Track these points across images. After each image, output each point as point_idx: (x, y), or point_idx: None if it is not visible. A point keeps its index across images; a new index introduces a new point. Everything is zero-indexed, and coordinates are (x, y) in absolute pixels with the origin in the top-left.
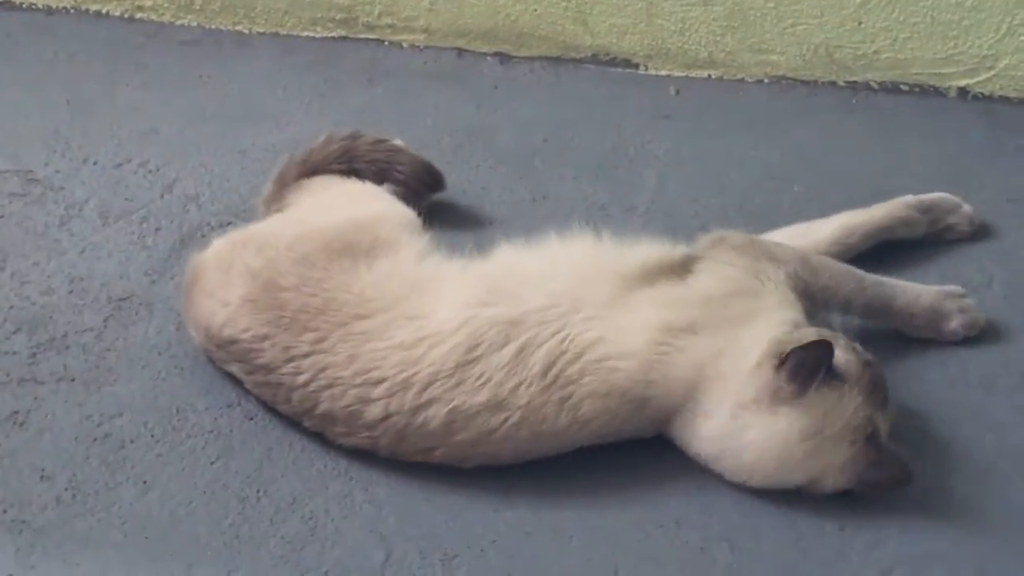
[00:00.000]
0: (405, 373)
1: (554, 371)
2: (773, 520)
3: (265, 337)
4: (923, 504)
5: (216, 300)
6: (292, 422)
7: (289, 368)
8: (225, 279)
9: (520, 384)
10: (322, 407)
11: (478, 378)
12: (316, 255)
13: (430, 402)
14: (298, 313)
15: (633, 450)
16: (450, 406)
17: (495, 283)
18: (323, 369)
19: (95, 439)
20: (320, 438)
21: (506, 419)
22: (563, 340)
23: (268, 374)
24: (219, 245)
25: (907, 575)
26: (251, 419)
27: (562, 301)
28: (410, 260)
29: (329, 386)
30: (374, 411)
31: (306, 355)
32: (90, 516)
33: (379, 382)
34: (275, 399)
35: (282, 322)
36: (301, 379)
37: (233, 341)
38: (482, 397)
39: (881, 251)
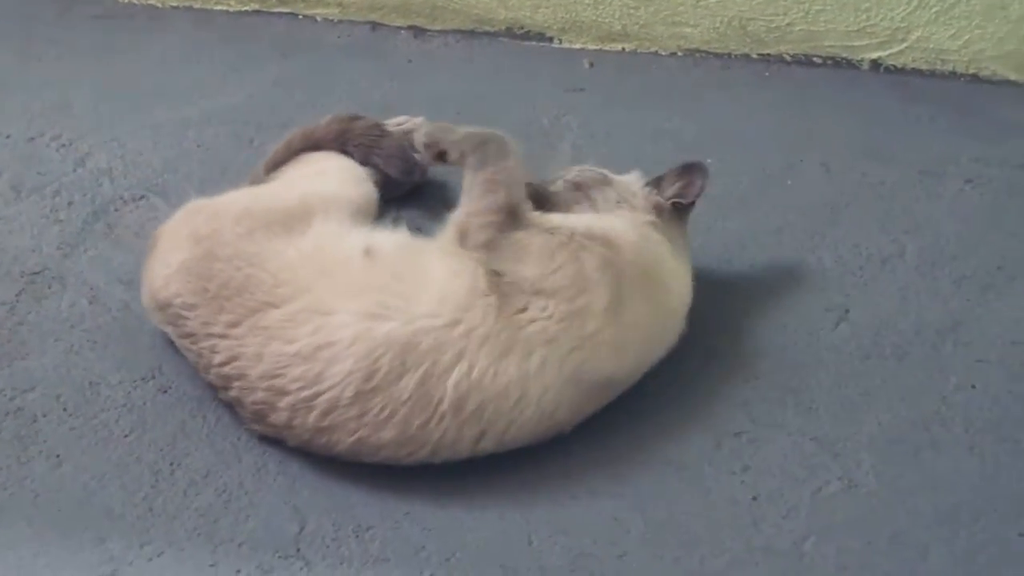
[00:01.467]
0: (307, 392)
1: (468, 407)
2: (686, 491)
3: (192, 306)
4: (836, 475)
5: (161, 262)
6: (206, 396)
7: (207, 344)
8: (173, 243)
9: (430, 420)
10: (232, 393)
11: (381, 411)
12: (257, 229)
13: (333, 428)
14: (221, 288)
15: None
16: (355, 436)
17: (385, 286)
18: (235, 358)
19: (7, 413)
20: (235, 412)
21: (414, 452)
22: (469, 370)
23: (192, 343)
24: (181, 211)
25: (819, 544)
26: (165, 392)
27: (444, 311)
28: (330, 244)
29: (240, 377)
30: (280, 416)
31: (222, 336)
32: (2, 490)
33: (284, 393)
34: (198, 367)
35: (207, 295)
36: (217, 359)
37: (167, 304)
38: (389, 433)
39: (789, 222)
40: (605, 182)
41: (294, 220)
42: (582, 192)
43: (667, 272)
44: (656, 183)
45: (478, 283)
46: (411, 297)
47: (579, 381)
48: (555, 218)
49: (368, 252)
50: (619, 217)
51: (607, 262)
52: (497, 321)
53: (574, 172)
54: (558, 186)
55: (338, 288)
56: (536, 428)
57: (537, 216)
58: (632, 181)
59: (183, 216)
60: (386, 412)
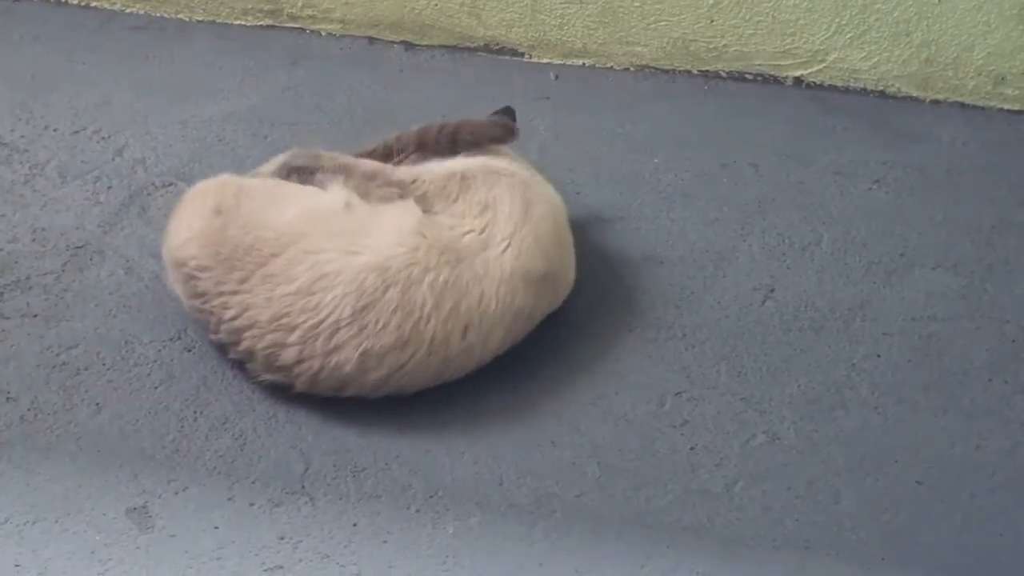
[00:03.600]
0: (312, 320)
1: (446, 306)
2: (634, 441)
3: (205, 268)
4: (761, 429)
5: (182, 225)
6: (225, 355)
7: (219, 302)
8: (197, 211)
9: (419, 321)
10: (244, 344)
11: (376, 322)
12: (272, 204)
13: (339, 347)
14: (232, 251)
15: (514, 379)
16: (360, 349)
17: (358, 229)
18: (246, 309)
19: (54, 367)
20: (243, 368)
21: (415, 352)
22: (436, 278)
23: (204, 303)
24: (214, 180)
25: (747, 488)
26: (189, 351)
27: (405, 242)
28: (319, 199)
29: (250, 327)
30: (289, 354)
31: (233, 292)
32: (49, 433)
33: (291, 329)
34: (207, 327)
35: (219, 257)
36: (228, 315)
37: (182, 264)
38: (388, 338)
39: (724, 214)
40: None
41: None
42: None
43: (540, 178)
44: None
45: (419, 219)
46: (377, 237)
47: (523, 275)
48: (433, 167)
49: (348, 205)
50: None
51: (492, 181)
52: (440, 241)
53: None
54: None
55: (324, 232)
56: (506, 320)
57: (407, 169)
58: None
59: (214, 186)
60: (381, 322)
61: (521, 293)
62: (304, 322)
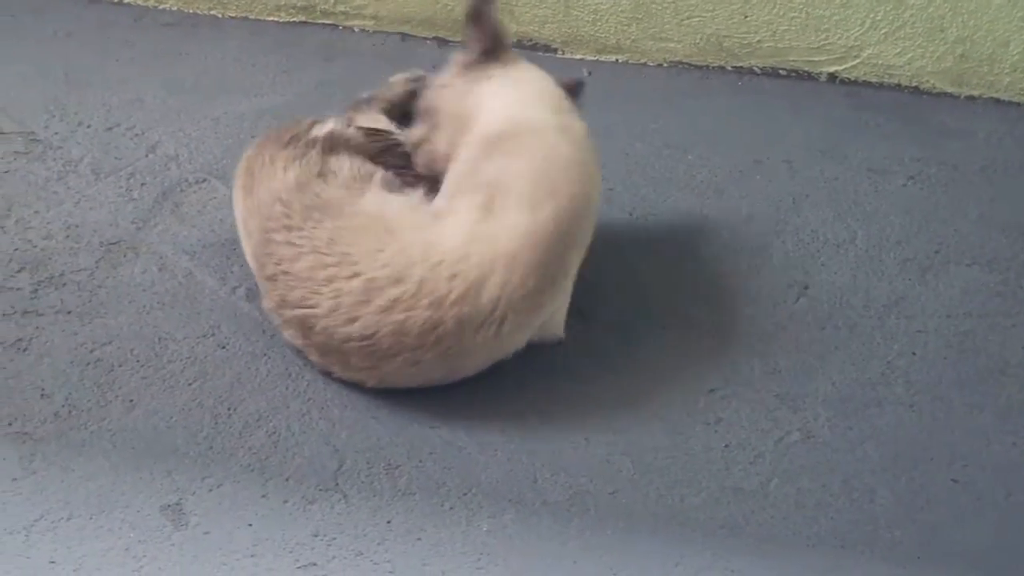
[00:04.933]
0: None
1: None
2: (668, 439)
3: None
4: (795, 427)
5: (273, 175)
6: (258, 352)
7: (307, 231)
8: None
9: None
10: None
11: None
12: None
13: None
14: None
15: (547, 376)
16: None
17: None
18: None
19: (88, 363)
20: (284, 364)
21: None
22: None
23: (289, 232)
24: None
25: (781, 485)
26: (223, 348)
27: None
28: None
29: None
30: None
31: (315, 226)
32: (84, 429)
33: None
34: (283, 258)
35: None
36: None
37: (276, 199)
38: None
39: (758, 211)
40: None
41: None
42: None
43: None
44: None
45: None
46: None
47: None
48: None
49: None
50: None
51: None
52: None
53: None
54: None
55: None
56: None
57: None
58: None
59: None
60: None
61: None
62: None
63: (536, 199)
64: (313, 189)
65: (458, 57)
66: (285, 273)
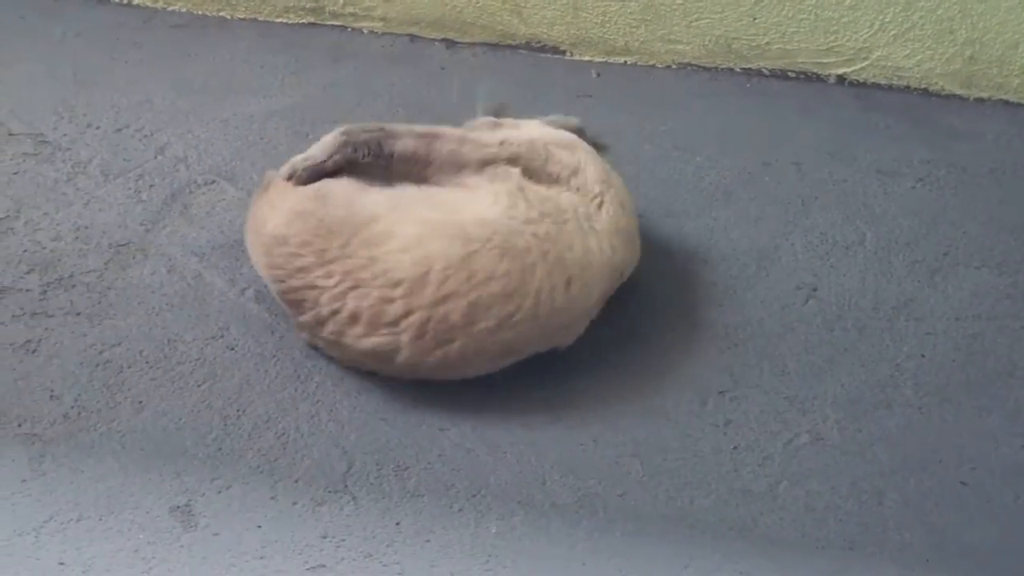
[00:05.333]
0: (420, 270)
1: (551, 256)
2: (677, 440)
3: (307, 243)
4: (804, 429)
5: (273, 207)
6: (267, 353)
7: (321, 272)
8: (292, 193)
9: (524, 270)
10: (348, 308)
11: (484, 267)
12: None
13: (448, 297)
14: (332, 222)
15: (555, 378)
16: (467, 299)
17: (453, 191)
18: (349, 272)
19: (97, 365)
20: (293, 366)
21: (521, 303)
22: (537, 231)
23: (303, 276)
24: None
25: (790, 488)
26: (232, 349)
27: (501, 200)
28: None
29: (355, 287)
30: (396, 308)
31: (334, 259)
32: (93, 431)
33: (398, 284)
34: (303, 305)
35: (321, 228)
36: (332, 281)
37: (284, 241)
38: (496, 286)
39: (767, 213)
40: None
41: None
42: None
43: None
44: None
45: (512, 180)
46: (472, 200)
47: (617, 231)
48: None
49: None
50: None
51: (572, 147)
52: (540, 198)
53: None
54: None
55: (421, 199)
56: (604, 274)
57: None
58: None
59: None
60: (487, 269)
61: (619, 248)
62: (411, 274)
63: None
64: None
65: None
66: None
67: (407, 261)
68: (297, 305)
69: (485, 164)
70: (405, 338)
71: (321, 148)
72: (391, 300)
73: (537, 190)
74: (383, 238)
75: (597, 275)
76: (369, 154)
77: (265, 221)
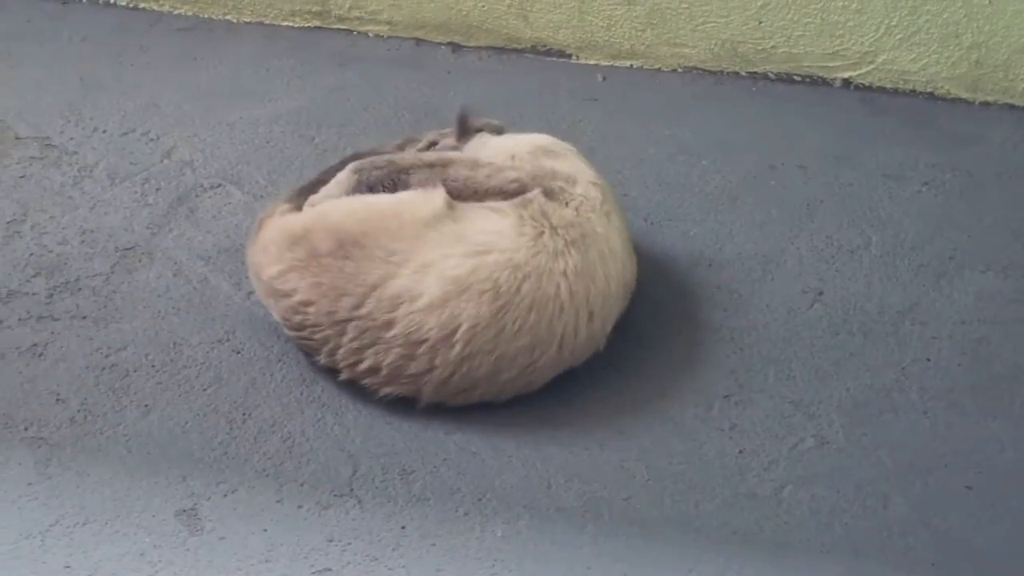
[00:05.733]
0: (446, 331)
1: (579, 294)
2: (682, 444)
3: (310, 302)
4: (810, 433)
5: (270, 255)
6: (273, 357)
7: (334, 330)
8: (278, 237)
9: (552, 317)
10: (365, 363)
11: (513, 322)
12: (350, 218)
13: (473, 355)
14: (335, 279)
15: (561, 382)
16: (494, 355)
17: (473, 229)
18: (365, 331)
19: (103, 368)
20: (299, 370)
21: (545, 351)
22: (567, 263)
23: (314, 332)
24: (281, 211)
25: (795, 492)
26: (238, 353)
27: (525, 231)
28: (418, 203)
29: (373, 343)
30: (420, 363)
31: (347, 320)
32: (99, 434)
33: (422, 342)
34: (319, 352)
35: (322, 288)
36: (347, 338)
37: (285, 296)
38: (523, 340)
39: (772, 217)
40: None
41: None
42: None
43: None
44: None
45: (535, 205)
46: (495, 227)
47: (626, 241)
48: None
49: (448, 203)
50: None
51: (564, 152)
52: (560, 219)
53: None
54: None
55: (439, 240)
56: (619, 297)
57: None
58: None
59: (290, 217)
60: (517, 322)
61: (629, 264)
62: (437, 335)
63: None
64: None
65: None
66: None
67: (432, 322)
68: (311, 351)
69: (508, 195)
70: (427, 389)
71: (336, 188)
72: (414, 357)
73: (562, 215)
74: (404, 297)
75: (615, 301)
76: (384, 190)
77: (262, 267)
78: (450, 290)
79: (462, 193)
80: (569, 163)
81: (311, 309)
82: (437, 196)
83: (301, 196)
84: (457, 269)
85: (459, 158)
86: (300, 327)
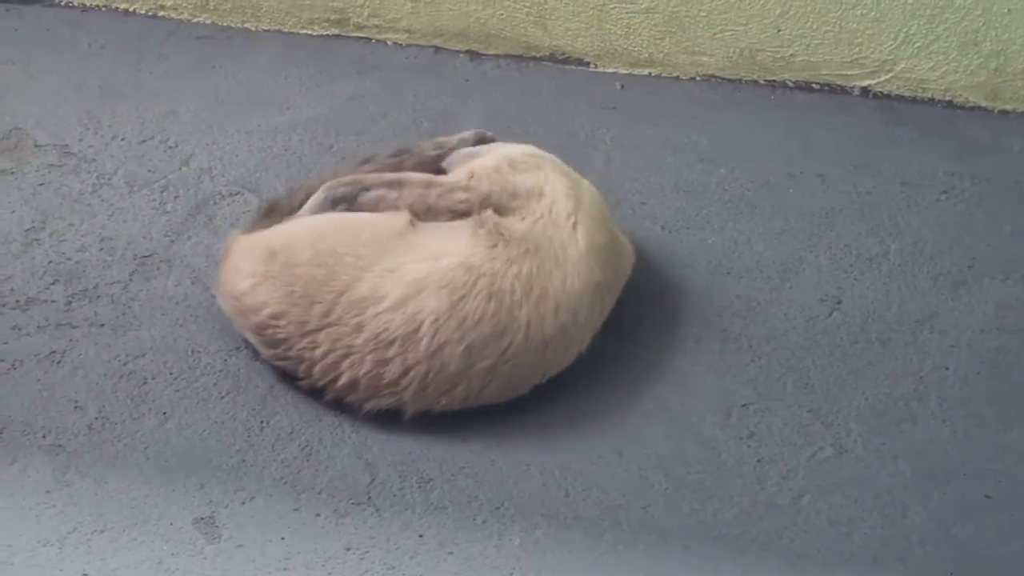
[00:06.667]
0: (411, 327)
1: (535, 291)
2: (700, 453)
3: (282, 313)
4: (828, 442)
5: (238, 273)
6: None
7: (306, 343)
8: (247, 256)
9: (512, 307)
10: (344, 377)
11: (473, 312)
12: (328, 232)
13: (442, 346)
14: (306, 287)
15: (579, 390)
16: (463, 345)
17: (431, 239)
18: (338, 339)
19: (121, 376)
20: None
21: (513, 339)
22: (520, 268)
23: (287, 349)
24: (248, 234)
25: (814, 501)
26: (256, 361)
27: (480, 242)
28: (382, 222)
29: (347, 355)
30: (394, 368)
31: (318, 328)
32: (117, 442)
33: (390, 343)
34: (296, 372)
35: (294, 297)
36: (319, 351)
37: (254, 311)
38: (487, 328)
39: (790, 225)
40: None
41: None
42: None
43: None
44: None
45: (489, 222)
46: (454, 243)
47: (593, 249)
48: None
49: (411, 221)
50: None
51: (537, 163)
52: (515, 234)
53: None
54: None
55: (400, 249)
56: (588, 294)
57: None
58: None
59: (257, 235)
60: (477, 312)
61: (597, 267)
62: (403, 331)
63: None
64: None
65: None
66: None
67: (397, 320)
68: (291, 371)
69: (457, 214)
70: (408, 395)
71: (310, 207)
72: (387, 361)
73: (513, 229)
74: (369, 300)
75: (582, 298)
76: (347, 207)
77: (233, 285)
78: (410, 291)
79: (417, 211)
80: (538, 176)
81: (282, 322)
82: (402, 215)
83: (263, 220)
84: (414, 273)
85: (415, 178)
86: (273, 343)
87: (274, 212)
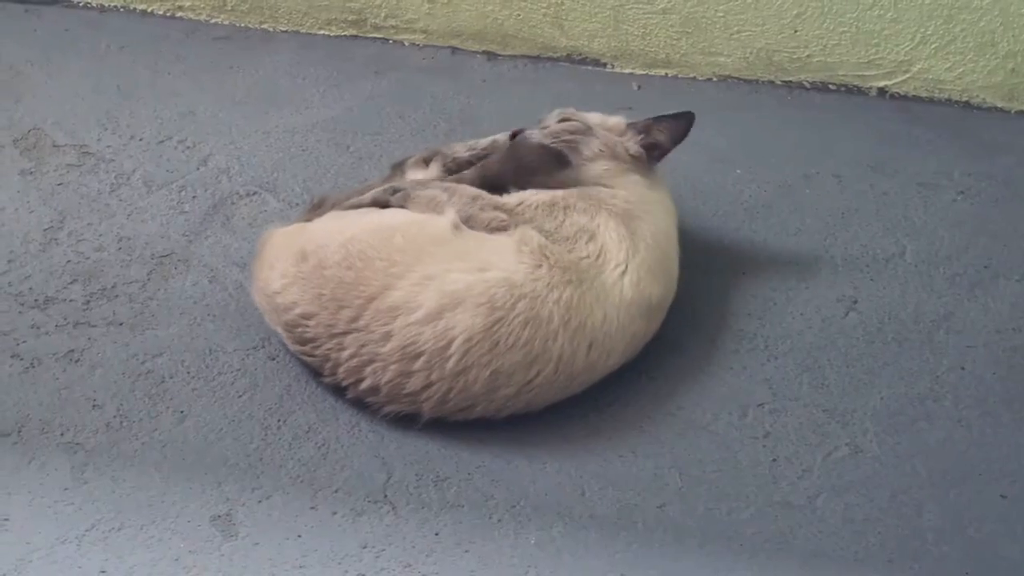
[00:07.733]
0: (442, 343)
1: (572, 323)
2: (715, 452)
3: (311, 314)
4: (844, 441)
5: (274, 271)
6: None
7: (332, 344)
8: (280, 255)
9: (547, 338)
10: (366, 383)
11: (507, 336)
12: (360, 234)
13: (469, 368)
14: (335, 289)
15: (594, 389)
16: (490, 369)
17: (478, 249)
18: (363, 345)
19: (139, 374)
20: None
21: (542, 369)
22: (560, 296)
23: (315, 348)
24: (284, 228)
25: (829, 500)
26: (273, 360)
27: (526, 260)
28: (425, 225)
29: (371, 360)
30: (417, 380)
31: (345, 332)
32: (135, 440)
33: (417, 356)
34: (322, 370)
35: (323, 299)
36: (345, 355)
37: (286, 310)
38: (517, 355)
39: (807, 225)
40: (587, 132)
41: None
42: (565, 142)
43: (650, 204)
44: (644, 127)
45: (535, 241)
46: (499, 255)
47: (640, 302)
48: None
49: (456, 227)
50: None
51: (593, 209)
52: (561, 261)
53: (555, 117)
54: (537, 136)
55: (442, 256)
56: (624, 340)
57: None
58: (614, 125)
59: (291, 232)
60: (511, 338)
61: (639, 319)
62: (433, 347)
63: None
64: None
65: None
66: None
67: (427, 334)
68: (316, 368)
69: (494, 230)
70: (427, 406)
71: (354, 204)
72: (410, 374)
73: (559, 254)
74: (402, 309)
75: (617, 341)
76: (400, 203)
77: (266, 283)
78: (446, 303)
79: (460, 218)
80: (593, 220)
81: (311, 322)
82: (446, 217)
83: (311, 213)
84: (456, 284)
85: (463, 189)
86: (301, 341)
87: (323, 206)
